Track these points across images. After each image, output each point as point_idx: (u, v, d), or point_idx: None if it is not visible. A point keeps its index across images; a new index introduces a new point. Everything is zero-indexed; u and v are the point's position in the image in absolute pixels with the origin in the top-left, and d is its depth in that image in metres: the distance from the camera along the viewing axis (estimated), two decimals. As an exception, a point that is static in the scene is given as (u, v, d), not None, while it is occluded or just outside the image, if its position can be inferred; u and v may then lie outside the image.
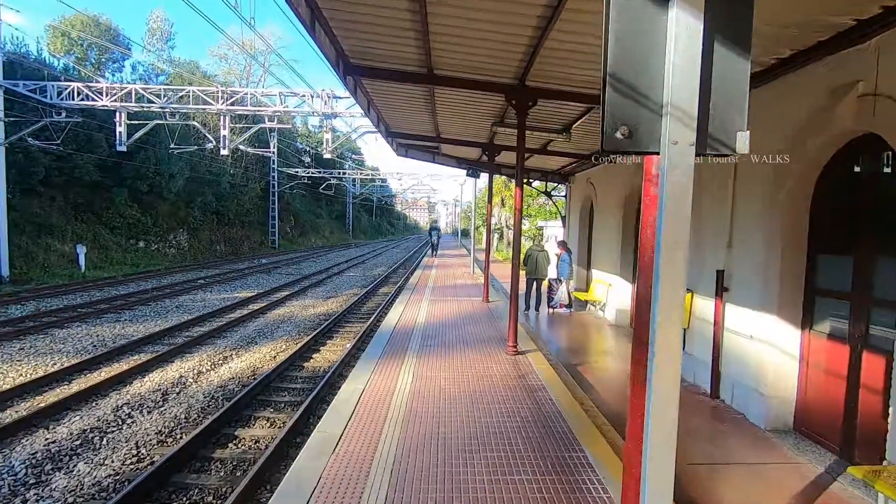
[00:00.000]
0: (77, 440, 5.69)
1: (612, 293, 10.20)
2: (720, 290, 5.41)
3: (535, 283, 11.28)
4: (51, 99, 16.54)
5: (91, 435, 5.86)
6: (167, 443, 5.77)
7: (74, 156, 20.16)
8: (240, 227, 34.19)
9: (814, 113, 4.34)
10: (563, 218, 14.45)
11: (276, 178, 38.11)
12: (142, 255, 23.55)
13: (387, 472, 3.25)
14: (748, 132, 1.38)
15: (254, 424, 6.38)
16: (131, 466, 5.20)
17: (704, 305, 5.88)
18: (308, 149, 39.04)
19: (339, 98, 16.48)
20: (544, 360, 5.93)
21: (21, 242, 17.94)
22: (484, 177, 14.04)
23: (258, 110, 17.43)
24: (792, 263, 4.74)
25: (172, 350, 9.14)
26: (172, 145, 21.39)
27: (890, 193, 3.92)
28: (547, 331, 9.39)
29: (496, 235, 36.10)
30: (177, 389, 7.45)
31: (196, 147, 21.74)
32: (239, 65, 44.39)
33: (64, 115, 17.11)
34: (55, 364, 8.32)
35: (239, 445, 5.81)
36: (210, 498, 4.67)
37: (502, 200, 34.79)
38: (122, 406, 6.70)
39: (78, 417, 6.31)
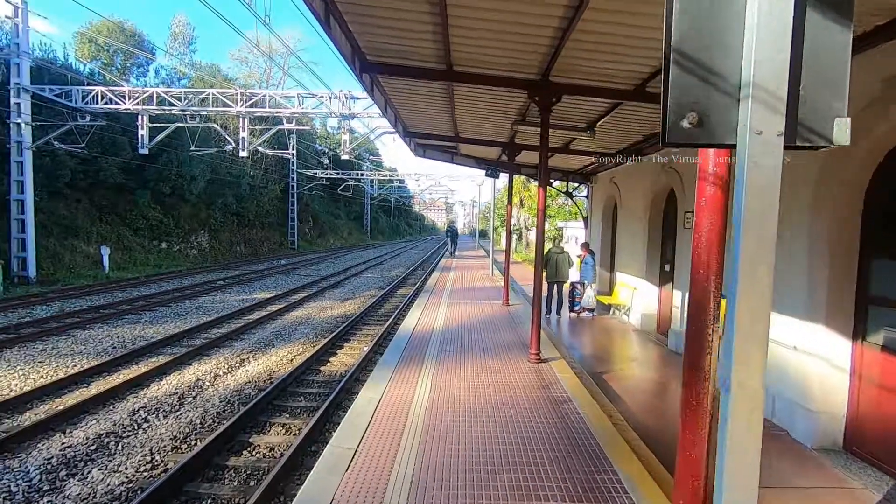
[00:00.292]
0: (93, 445, 5.64)
1: (637, 297, 9.82)
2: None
3: (555, 286, 10.96)
4: (75, 103, 16.86)
5: (107, 440, 5.80)
6: (181, 449, 5.68)
7: (99, 159, 20.57)
8: (259, 228, 34.54)
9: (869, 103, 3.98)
10: (585, 219, 14.07)
11: (295, 179, 38.41)
12: (164, 256, 23.92)
13: (404, 492, 3.04)
14: (849, 119, 1.11)
15: (269, 431, 6.25)
16: (145, 474, 5.11)
17: (741, 312, 5.52)
18: (327, 150, 39.26)
19: (357, 99, 16.40)
20: (568, 368, 5.64)
21: (48, 244, 18.35)
22: (503, 177, 13.77)
23: (276, 112, 17.47)
24: (841, 268, 4.38)
25: (190, 352, 9.12)
26: (193, 147, 21.63)
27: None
28: (569, 336, 9.07)
29: (515, 236, 35.73)
30: (193, 393, 7.39)
31: (216, 149, 21.93)
32: (259, 68, 44.94)
33: (88, 118, 17.43)
34: (75, 366, 8.36)
35: (253, 453, 5.68)
36: (222, 509, 4.54)
37: (521, 201, 34.42)
38: (138, 410, 6.65)
39: (95, 421, 6.27)
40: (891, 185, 4.16)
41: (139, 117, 17.89)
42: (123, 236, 22.32)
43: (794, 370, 4.67)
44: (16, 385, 7.47)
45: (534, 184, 32.28)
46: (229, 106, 17.13)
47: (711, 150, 1.56)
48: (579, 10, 3.79)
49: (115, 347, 9.60)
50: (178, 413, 6.66)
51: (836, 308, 4.38)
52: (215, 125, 19.53)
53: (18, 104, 16.05)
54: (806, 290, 4.60)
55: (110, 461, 5.37)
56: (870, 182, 4.30)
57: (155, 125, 18.79)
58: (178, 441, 5.86)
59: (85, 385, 7.61)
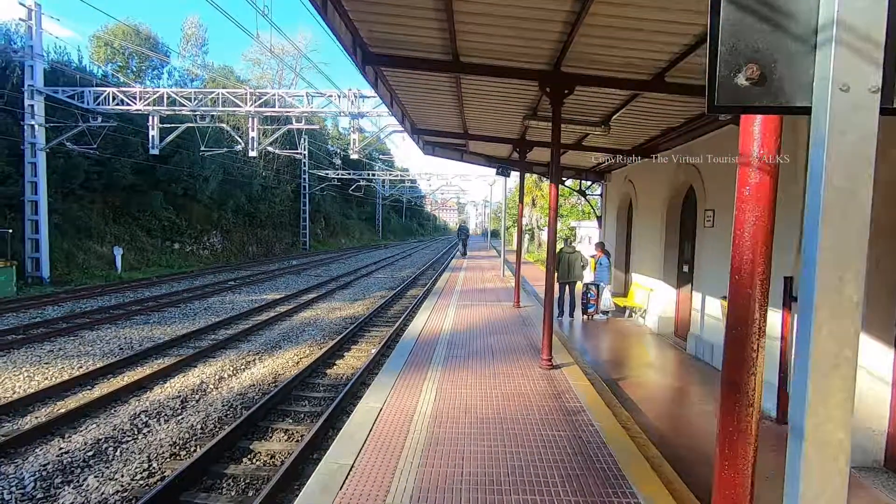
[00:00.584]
0: (90, 451, 5.49)
1: (653, 299, 9.45)
2: (788, 300, 4.69)
3: (566, 287, 10.62)
4: (87, 104, 16.97)
5: (105, 445, 5.65)
6: (180, 456, 5.50)
7: (112, 160, 20.73)
8: (271, 228, 34.65)
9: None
10: (599, 218, 13.69)
11: (307, 180, 38.48)
12: (176, 257, 24.05)
13: (402, 515, 2.79)
14: (964, 72, 0.82)
15: (271, 437, 6.06)
16: (141, 482, 4.94)
17: (768, 317, 5.15)
18: (339, 151, 39.28)
19: (366, 97, 16.23)
20: (582, 375, 5.33)
21: (63, 245, 18.52)
22: (514, 175, 13.46)
23: (286, 111, 17.40)
24: (884, 269, 4.01)
25: (196, 354, 9.00)
26: (203, 148, 21.68)
27: None
28: (582, 340, 8.74)
29: (526, 236, 35.30)
30: (196, 396, 7.23)
31: (226, 149, 21.97)
32: (272, 69, 45.12)
33: (100, 119, 17.54)
34: (81, 367, 8.28)
35: (253, 460, 5.49)
36: (217, 522, 4.33)
37: (533, 200, 33.99)
38: (139, 414, 6.51)
39: (95, 425, 6.14)
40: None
41: (149, 118, 17.96)
42: (136, 237, 22.48)
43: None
44: (19, 387, 7.40)
45: (546, 182, 31.87)
46: (239, 106, 17.10)
47: (756, 126, 1.28)
48: (594, -10, 3.50)
49: (121, 349, 9.52)
50: (180, 417, 6.50)
51: (877, 314, 4.02)
52: (225, 125, 19.53)
53: (32, 106, 16.20)
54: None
55: (107, 468, 5.21)
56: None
57: (166, 126, 18.87)
58: (178, 447, 5.70)
59: (88, 387, 7.51)
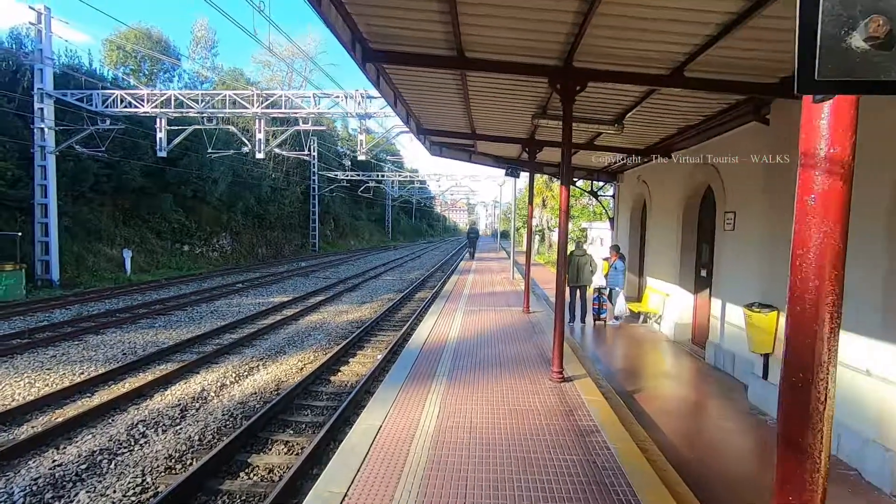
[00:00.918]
0: (84, 463, 5.32)
1: (669, 304, 9.07)
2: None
3: (577, 291, 10.29)
4: (96, 107, 17.01)
5: (100, 457, 5.48)
6: (175, 469, 5.30)
7: (122, 163, 20.80)
8: (281, 230, 34.67)
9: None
10: (611, 219, 13.32)
11: (316, 181, 38.48)
12: (186, 259, 24.09)
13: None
14: None
15: (270, 449, 5.85)
16: (133, 498, 4.74)
17: (796, 327, 4.80)
18: (348, 152, 39.23)
19: (373, 98, 16.02)
20: (595, 388, 5.02)
21: (73, 247, 18.59)
22: (524, 176, 13.16)
23: (292, 113, 17.27)
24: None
25: (199, 360, 8.85)
26: (210, 150, 21.67)
27: None
28: (594, 347, 8.40)
29: (537, 238, 34.86)
30: (196, 405, 7.06)
31: (233, 151, 21.92)
32: (281, 71, 45.24)
33: (108, 122, 17.57)
34: (82, 374, 8.17)
35: (251, 475, 5.27)
36: (208, 545, 4.12)
37: (543, 201, 33.57)
38: (137, 423, 6.34)
39: (91, 436, 5.98)
40: None
41: (157, 120, 17.95)
42: (146, 239, 22.55)
43: (866, 399, 3.96)
44: (19, 394, 7.29)
45: (556, 183, 31.43)
46: (246, 108, 17.01)
47: (825, 116, 1.00)
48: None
49: (125, 354, 9.41)
50: (178, 427, 6.32)
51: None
52: (232, 127, 19.48)
53: (42, 109, 16.26)
54: (882, 302, 3.88)
55: (100, 482, 5.03)
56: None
57: (174, 128, 18.87)
58: (174, 460, 5.50)
59: (88, 395, 7.38)
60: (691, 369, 7.15)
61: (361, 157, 18.52)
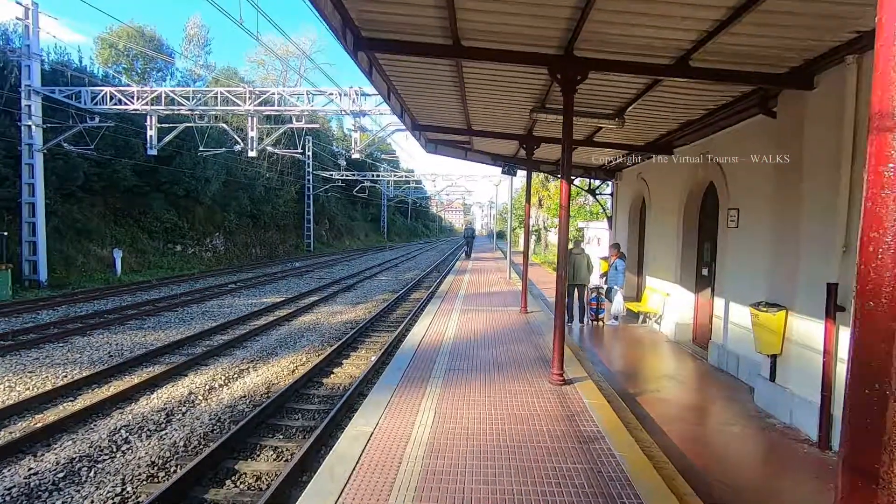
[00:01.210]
0: (62, 472, 5.07)
1: (669, 304, 8.89)
2: (832, 309, 4.15)
3: (574, 290, 10.10)
4: (85, 104, 16.68)
5: (79, 465, 5.23)
6: (158, 478, 5.06)
7: (113, 161, 20.46)
8: (275, 230, 34.34)
9: None
10: (609, 218, 13.14)
11: (310, 181, 38.16)
12: (178, 259, 23.73)
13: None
14: None
15: (258, 456, 5.61)
16: (111, 510, 4.50)
17: (805, 327, 4.62)
18: (343, 152, 38.92)
19: (368, 95, 15.79)
20: (597, 391, 4.81)
21: (61, 247, 18.24)
22: (520, 174, 12.97)
23: (285, 110, 17.00)
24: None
25: (188, 361, 8.61)
26: (202, 148, 21.33)
27: None
28: (594, 348, 8.20)
29: (533, 237, 34.71)
30: (183, 409, 6.81)
31: (224, 149, 21.61)
32: (276, 70, 44.90)
33: (97, 120, 17.24)
34: (66, 376, 7.90)
35: (238, 483, 5.04)
36: (188, 561, 3.88)
37: (539, 201, 33.41)
38: (120, 429, 6.09)
39: (71, 442, 5.72)
40: None
41: (148, 118, 17.63)
42: (138, 239, 22.19)
43: None
44: (-3, 398, 7.01)
45: (553, 182, 31.27)
46: (238, 105, 16.73)
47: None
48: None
49: (111, 356, 9.14)
50: (163, 433, 6.07)
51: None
52: (224, 125, 19.18)
53: (29, 106, 15.92)
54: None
55: (77, 491, 4.79)
56: None
57: (165, 126, 18.55)
58: (157, 468, 5.26)
59: (70, 399, 7.12)
60: (694, 370, 6.96)
61: (356, 156, 18.27)
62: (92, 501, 4.60)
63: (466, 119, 8.31)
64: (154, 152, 18.26)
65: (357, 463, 3.17)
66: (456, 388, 4.91)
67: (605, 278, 10.40)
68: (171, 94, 16.83)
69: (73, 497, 4.67)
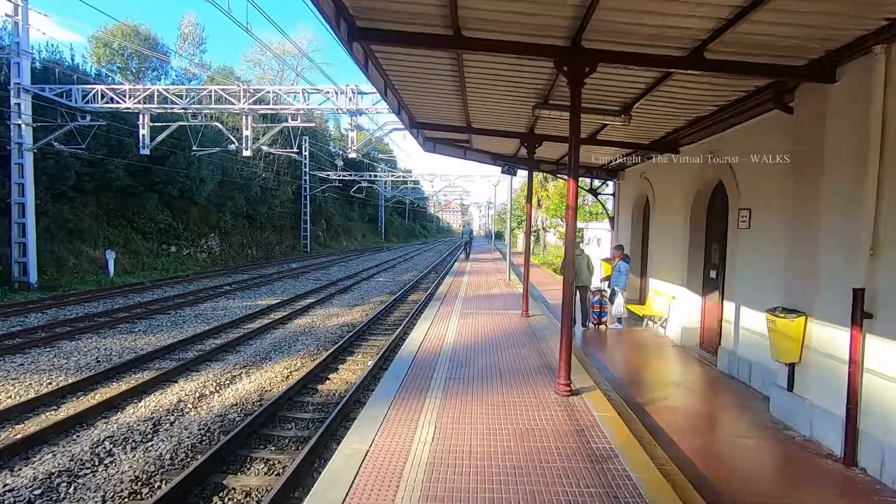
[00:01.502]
0: (39, 488, 4.79)
1: (675, 307, 8.64)
2: (859, 316, 3.89)
3: (577, 293, 9.83)
4: (75, 102, 16.34)
5: (58, 480, 4.94)
6: (141, 494, 4.78)
7: (106, 161, 20.11)
8: (272, 231, 34.01)
9: None
10: (611, 219, 12.89)
11: (307, 181, 37.84)
12: (173, 260, 23.39)
13: None
14: None
15: (248, 469, 5.33)
16: (89, 530, 4.22)
17: (827, 335, 4.36)
18: (340, 152, 38.61)
19: (365, 93, 15.50)
20: (606, 403, 4.54)
21: (53, 248, 17.89)
22: (520, 174, 12.71)
23: (281, 109, 16.69)
24: None
25: (179, 367, 8.33)
26: (195, 147, 20.98)
27: None
28: (598, 353, 7.94)
29: (532, 238, 34.45)
30: (171, 418, 6.52)
31: (219, 149, 21.26)
32: (272, 70, 44.56)
33: (89, 118, 16.90)
34: (50, 383, 7.60)
35: (225, 500, 4.77)
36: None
37: (538, 201, 33.19)
38: (104, 440, 5.80)
39: (51, 455, 5.43)
40: None
41: (140, 116, 17.30)
42: (131, 240, 21.84)
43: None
44: (-25, 408, 6.69)
45: (552, 182, 31.04)
46: (232, 103, 16.41)
47: None
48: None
49: (98, 361, 8.85)
50: (149, 444, 5.79)
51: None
52: (218, 124, 18.85)
53: (19, 105, 15.58)
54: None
55: (55, 510, 4.50)
56: None
57: (159, 125, 18.22)
58: (140, 483, 4.98)
59: (54, 408, 6.82)
60: (703, 377, 6.70)
61: (352, 155, 17.97)
62: (69, 521, 4.32)
63: (466, 116, 8.04)
64: (147, 152, 17.92)
65: (350, 487, 2.90)
66: (457, 399, 4.64)
67: (607, 281, 10.15)
68: (164, 93, 16.51)
69: (49, 516, 4.40)
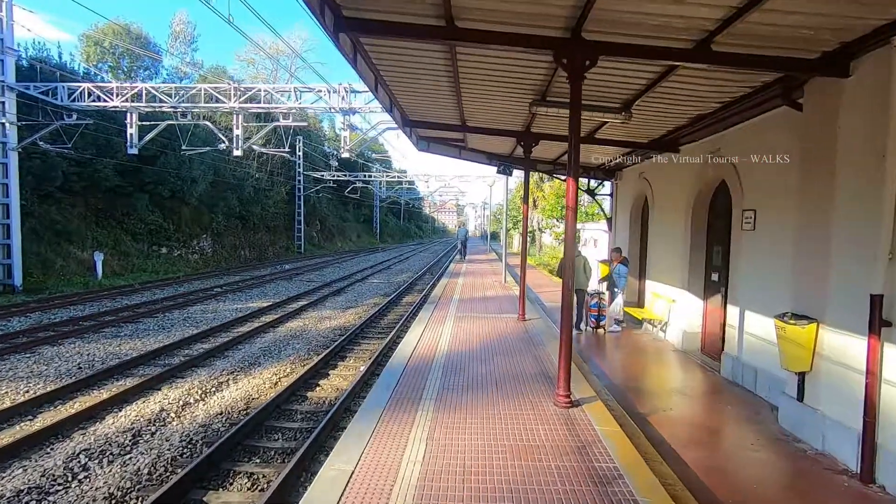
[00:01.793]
0: (4, 509, 4.48)
1: (675, 311, 8.42)
2: (877, 323, 3.67)
3: (573, 296, 9.58)
4: (61, 100, 15.97)
5: (26, 498, 4.65)
6: (115, 513, 4.50)
7: (94, 161, 19.71)
8: (265, 231, 33.62)
9: None
10: (609, 220, 12.67)
11: (301, 181, 37.47)
12: (163, 262, 22.99)
13: None
14: None
15: (230, 485, 5.06)
16: (55, 555, 3.93)
17: (840, 343, 4.14)
18: (334, 152, 38.27)
19: (358, 92, 15.22)
20: (608, 415, 4.30)
21: (39, 250, 17.48)
22: (516, 174, 12.46)
23: (272, 108, 16.38)
24: None
25: (164, 373, 8.04)
26: (185, 147, 20.61)
27: None
28: (597, 359, 7.70)
29: (528, 238, 34.23)
30: (152, 428, 6.24)
31: (209, 148, 20.88)
32: (266, 69, 44.17)
33: (75, 117, 16.52)
34: (27, 392, 7.29)
35: (205, 519, 4.49)
36: None
37: (534, 201, 33.01)
38: (79, 453, 5.51)
39: (21, 470, 5.13)
40: None
41: (128, 115, 16.94)
42: (121, 241, 21.43)
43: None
44: (-56, 420, 6.38)
45: (548, 182, 30.85)
46: (223, 102, 16.08)
47: None
48: None
49: (80, 368, 8.53)
50: (127, 457, 5.50)
51: None
52: (208, 123, 18.49)
53: (3, 103, 15.18)
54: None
55: (20, 532, 4.21)
56: None
57: (147, 124, 17.85)
58: (115, 500, 4.70)
59: (30, 418, 6.52)
60: (706, 384, 6.47)
61: (346, 155, 17.68)
62: (34, 545, 4.03)
63: (461, 114, 7.79)
64: (135, 151, 17.55)
65: (333, 515, 2.64)
66: (450, 411, 4.37)
67: (605, 283, 9.92)
68: (153, 91, 16.16)
69: (13, 540, 4.10)
